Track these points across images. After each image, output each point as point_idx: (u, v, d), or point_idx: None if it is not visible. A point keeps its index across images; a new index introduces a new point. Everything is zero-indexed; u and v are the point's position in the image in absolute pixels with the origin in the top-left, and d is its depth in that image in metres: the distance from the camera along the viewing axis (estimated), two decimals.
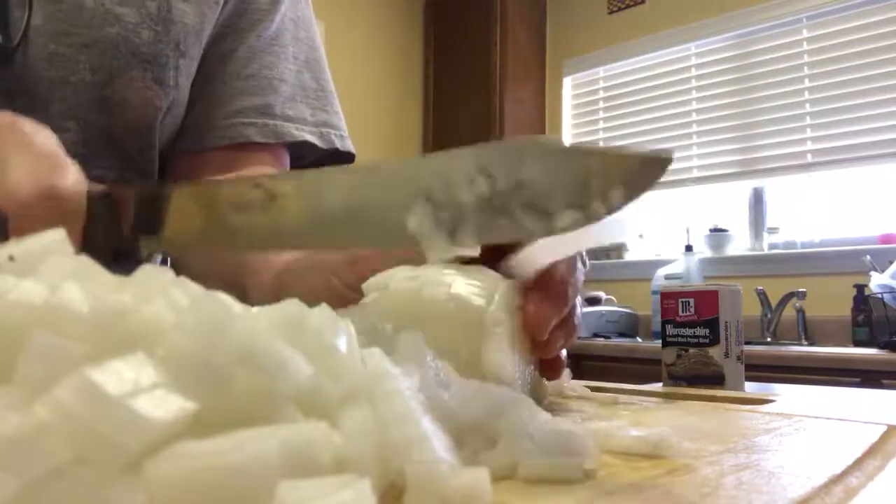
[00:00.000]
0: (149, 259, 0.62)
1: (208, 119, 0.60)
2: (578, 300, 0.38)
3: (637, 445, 0.25)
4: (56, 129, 0.51)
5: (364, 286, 0.34)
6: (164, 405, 0.15)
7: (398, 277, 0.33)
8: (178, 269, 0.62)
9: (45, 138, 0.36)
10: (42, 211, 0.33)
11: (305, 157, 0.67)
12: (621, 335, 2.68)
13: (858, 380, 1.81)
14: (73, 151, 0.53)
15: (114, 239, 0.38)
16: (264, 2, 0.63)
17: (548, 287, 0.35)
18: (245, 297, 0.52)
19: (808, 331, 2.41)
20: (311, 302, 0.22)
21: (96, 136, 0.53)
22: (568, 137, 3.30)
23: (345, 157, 0.67)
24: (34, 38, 0.50)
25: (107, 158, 0.55)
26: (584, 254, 0.38)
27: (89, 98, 0.52)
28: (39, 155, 0.35)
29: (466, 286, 0.31)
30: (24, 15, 0.49)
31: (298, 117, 0.63)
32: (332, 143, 0.65)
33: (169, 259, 0.66)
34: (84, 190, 0.36)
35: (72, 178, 0.36)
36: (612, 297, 2.83)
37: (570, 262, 0.36)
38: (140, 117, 0.56)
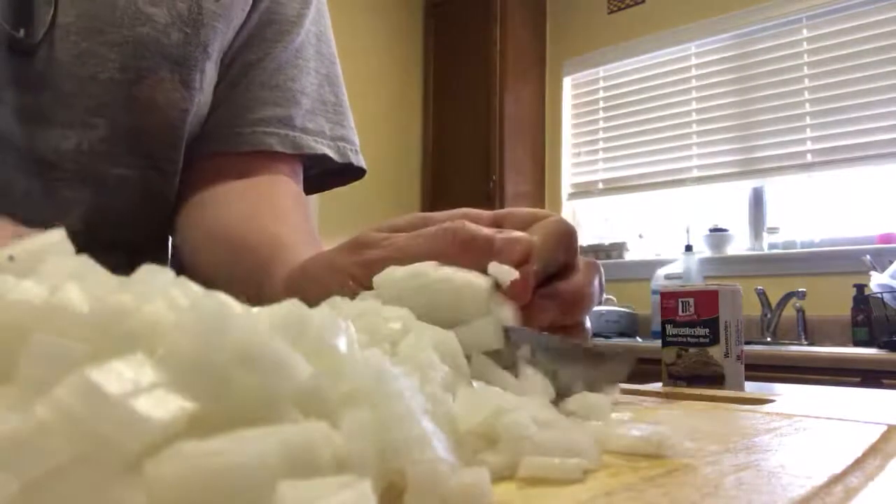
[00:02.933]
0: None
1: (231, 125, 0.61)
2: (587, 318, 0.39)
3: (638, 445, 0.25)
4: (83, 126, 0.52)
5: (374, 279, 0.36)
6: (164, 405, 0.15)
7: (402, 270, 0.35)
8: (185, 270, 0.62)
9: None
10: None
11: (312, 167, 0.67)
12: (621, 335, 2.68)
13: (858, 380, 1.81)
14: (99, 148, 0.53)
15: None
16: (291, 14, 0.64)
17: (559, 290, 0.37)
18: (259, 297, 0.52)
19: (808, 331, 2.41)
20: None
21: (122, 134, 0.54)
22: (568, 137, 3.30)
23: (355, 172, 0.69)
24: (65, 35, 0.50)
25: (131, 157, 0.56)
26: (603, 281, 0.40)
27: (117, 96, 0.53)
28: None
29: (467, 273, 0.35)
30: (50, 11, 0.49)
31: (318, 130, 0.64)
32: (348, 157, 0.66)
33: (171, 259, 0.66)
34: None
35: None
36: (612, 297, 2.84)
37: (590, 275, 0.38)
38: (166, 118, 0.56)
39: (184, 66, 0.55)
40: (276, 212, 0.58)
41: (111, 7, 0.51)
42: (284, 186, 0.62)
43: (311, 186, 0.70)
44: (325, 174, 0.69)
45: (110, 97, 0.52)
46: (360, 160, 0.67)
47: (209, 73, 0.59)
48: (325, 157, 0.64)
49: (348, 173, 0.69)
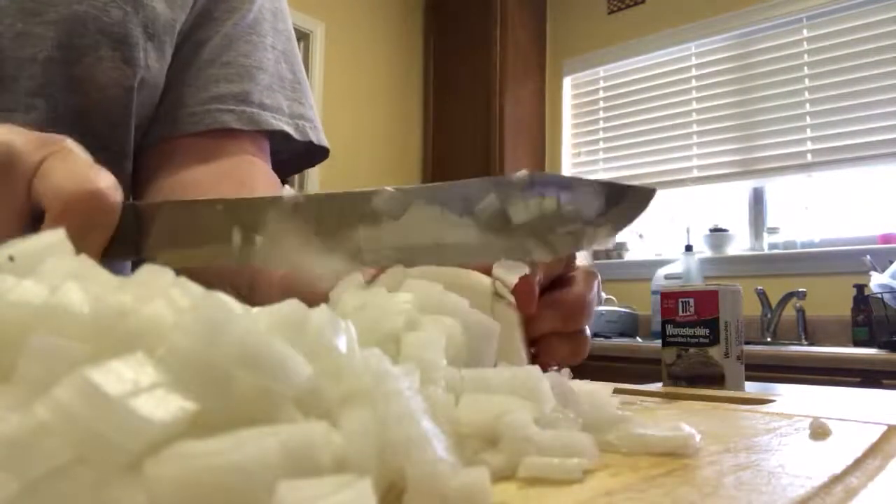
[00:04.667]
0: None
1: (184, 106, 0.59)
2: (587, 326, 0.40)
3: (658, 444, 0.25)
4: (24, 108, 0.51)
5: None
6: (164, 405, 0.15)
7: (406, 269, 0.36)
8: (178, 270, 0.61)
9: (82, 150, 0.37)
10: (81, 211, 0.34)
11: (280, 152, 0.65)
12: (621, 335, 2.68)
13: (858, 380, 1.81)
14: (42, 130, 0.52)
15: (134, 250, 0.38)
16: None
17: (560, 300, 0.37)
18: (250, 294, 0.51)
19: (808, 331, 2.41)
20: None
21: (65, 114, 0.53)
22: (568, 137, 3.30)
23: (318, 152, 0.67)
24: (2, 18, 0.49)
25: (77, 138, 0.55)
26: (600, 288, 0.40)
27: (57, 76, 0.52)
28: (80, 161, 0.36)
29: (470, 273, 0.35)
30: None
31: (275, 106, 0.62)
32: (307, 135, 0.64)
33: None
34: (121, 196, 0.37)
35: (110, 182, 0.36)
36: (612, 297, 2.84)
37: (589, 283, 0.38)
38: (110, 97, 0.55)
39: (125, 43, 0.54)
40: None
41: None
42: (253, 167, 0.60)
43: (276, 170, 0.66)
44: (293, 157, 0.67)
45: (50, 77, 0.51)
46: (321, 138, 0.65)
47: (154, 54, 0.57)
48: (284, 135, 0.62)
49: (313, 154, 0.67)
